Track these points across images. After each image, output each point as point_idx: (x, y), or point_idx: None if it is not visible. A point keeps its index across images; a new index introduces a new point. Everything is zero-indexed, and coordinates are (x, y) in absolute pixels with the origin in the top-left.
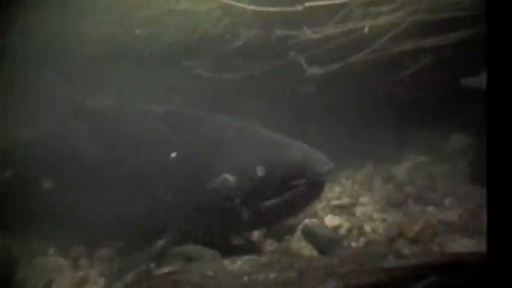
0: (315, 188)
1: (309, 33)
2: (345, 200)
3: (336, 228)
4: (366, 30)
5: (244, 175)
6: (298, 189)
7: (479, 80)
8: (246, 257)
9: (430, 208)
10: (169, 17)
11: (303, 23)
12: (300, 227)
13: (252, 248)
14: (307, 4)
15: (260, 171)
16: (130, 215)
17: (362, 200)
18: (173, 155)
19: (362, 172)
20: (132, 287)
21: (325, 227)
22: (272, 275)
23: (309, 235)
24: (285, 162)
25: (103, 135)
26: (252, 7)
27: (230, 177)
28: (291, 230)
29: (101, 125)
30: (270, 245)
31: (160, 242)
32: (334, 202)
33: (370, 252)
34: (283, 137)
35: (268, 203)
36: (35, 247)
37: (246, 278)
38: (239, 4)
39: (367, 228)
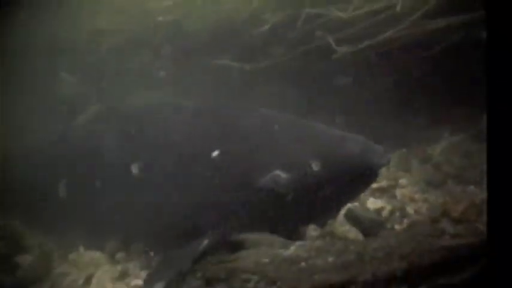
0: (370, 178)
1: (338, 13)
2: (384, 182)
3: (379, 210)
4: (398, 8)
5: (297, 171)
6: (355, 181)
7: None
8: (298, 243)
9: (471, 187)
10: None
11: (330, 3)
12: (343, 211)
13: (296, 234)
14: None
15: (315, 166)
16: (166, 215)
17: (401, 181)
18: (215, 153)
19: (397, 154)
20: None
21: (368, 210)
22: (330, 259)
23: (353, 219)
24: (342, 156)
25: (134, 135)
26: None
27: (282, 174)
28: None
29: (131, 125)
30: (313, 231)
31: (204, 243)
32: (374, 185)
33: (426, 231)
34: (334, 129)
35: (323, 197)
36: (65, 244)
37: (303, 264)
38: None
39: (410, 209)
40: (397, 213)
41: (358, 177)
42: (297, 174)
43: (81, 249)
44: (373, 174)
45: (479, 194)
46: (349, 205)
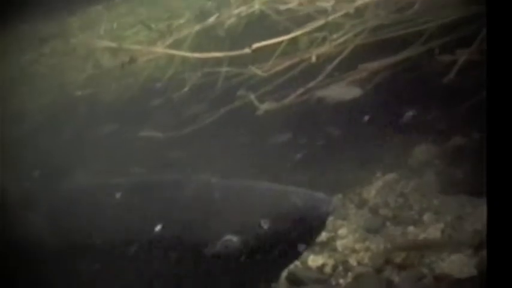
0: (318, 228)
1: (257, 71)
2: (323, 236)
3: (321, 267)
4: (313, 59)
5: (248, 232)
6: (303, 234)
7: None
8: None
9: (410, 228)
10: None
11: (249, 62)
12: (285, 273)
13: None
14: (255, 46)
15: (265, 224)
16: None
17: (340, 232)
18: (158, 227)
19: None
20: None
21: (310, 269)
22: None
23: (296, 282)
24: (288, 210)
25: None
26: (197, 54)
27: (234, 238)
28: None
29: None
30: None
31: None
32: None
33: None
34: (277, 184)
35: (275, 253)
36: None
37: None
38: (182, 53)
39: (352, 261)
40: (340, 267)
41: (307, 229)
42: (247, 236)
43: None
44: (321, 224)
45: (419, 233)
46: (290, 267)
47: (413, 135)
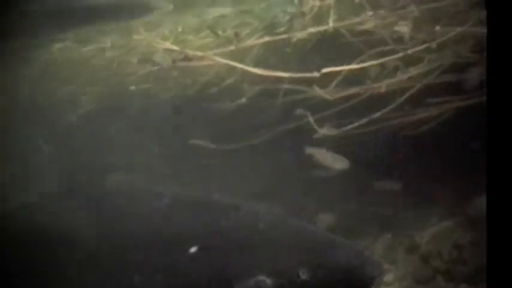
0: None
1: (322, 94)
2: None
3: None
4: (383, 89)
5: (283, 278)
6: None
7: None
8: None
9: (463, 286)
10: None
11: (312, 81)
12: None
13: None
14: (324, 70)
15: (303, 275)
16: None
17: (387, 277)
18: (193, 249)
19: (381, 241)
20: None
21: None
22: None
23: None
24: (333, 266)
25: (103, 218)
26: (259, 71)
27: (268, 280)
28: None
29: (101, 206)
30: None
31: None
32: None
33: None
34: (325, 232)
35: None
36: None
37: None
38: (244, 66)
39: None
40: None
41: None
42: (283, 282)
43: None
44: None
45: None
46: None
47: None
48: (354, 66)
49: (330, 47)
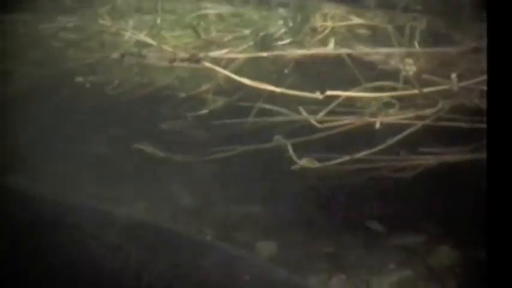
0: None
1: (311, 120)
2: None
3: None
4: (378, 125)
5: None
6: None
7: None
8: None
9: None
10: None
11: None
12: None
13: None
14: (329, 93)
15: None
16: None
17: None
18: None
19: (335, 282)
20: None
21: None
22: None
23: None
24: None
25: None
26: (248, 81)
27: None
28: None
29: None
30: None
31: None
32: None
33: None
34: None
35: None
36: None
37: None
38: (231, 75)
39: None
40: None
41: None
42: None
43: None
44: None
45: None
46: None
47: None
48: (358, 93)
49: (329, 71)
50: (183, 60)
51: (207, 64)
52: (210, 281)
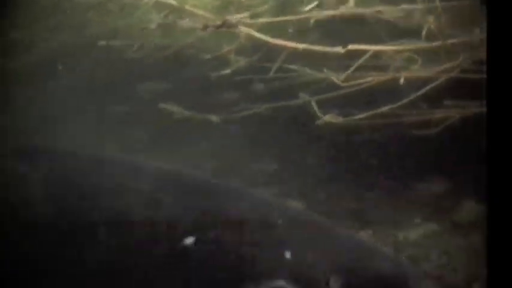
0: None
1: (333, 78)
2: None
3: None
4: (402, 80)
5: (308, 285)
6: None
7: None
8: None
9: None
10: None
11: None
12: None
13: None
14: (351, 47)
15: (334, 283)
16: None
17: None
18: (189, 240)
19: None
20: None
21: None
22: None
23: None
24: (369, 274)
25: (63, 192)
26: (270, 39)
27: (288, 287)
28: None
29: (61, 177)
30: None
31: None
32: None
33: None
34: (358, 236)
35: None
36: None
37: None
38: (254, 32)
39: None
40: None
41: None
42: None
43: None
44: None
45: None
46: None
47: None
48: (382, 47)
49: (351, 30)
50: (216, 26)
51: (242, 28)
52: (245, 224)
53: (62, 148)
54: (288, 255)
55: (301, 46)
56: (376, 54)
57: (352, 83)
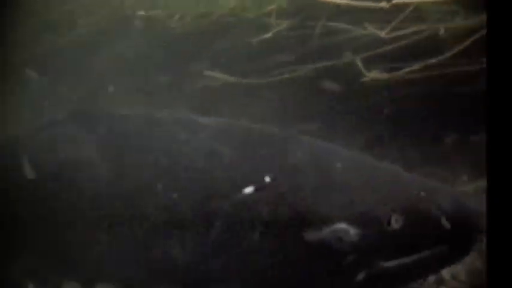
0: (462, 248)
1: (376, 32)
2: None
3: None
4: (442, 31)
5: (371, 226)
6: (440, 247)
7: None
8: None
9: None
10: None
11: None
12: None
13: None
14: (395, 1)
15: (396, 223)
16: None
17: None
18: (249, 189)
19: None
20: None
21: None
22: None
23: None
24: (430, 212)
25: (119, 150)
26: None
27: (351, 230)
28: None
29: (115, 135)
30: None
31: None
32: None
33: None
34: (417, 176)
35: (394, 263)
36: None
37: None
38: None
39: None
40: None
41: (450, 243)
42: (368, 231)
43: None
44: (469, 241)
45: None
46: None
47: None
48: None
49: None
50: None
51: None
52: (304, 169)
53: (117, 112)
54: (346, 198)
55: (343, 1)
56: (418, 9)
57: (395, 34)
